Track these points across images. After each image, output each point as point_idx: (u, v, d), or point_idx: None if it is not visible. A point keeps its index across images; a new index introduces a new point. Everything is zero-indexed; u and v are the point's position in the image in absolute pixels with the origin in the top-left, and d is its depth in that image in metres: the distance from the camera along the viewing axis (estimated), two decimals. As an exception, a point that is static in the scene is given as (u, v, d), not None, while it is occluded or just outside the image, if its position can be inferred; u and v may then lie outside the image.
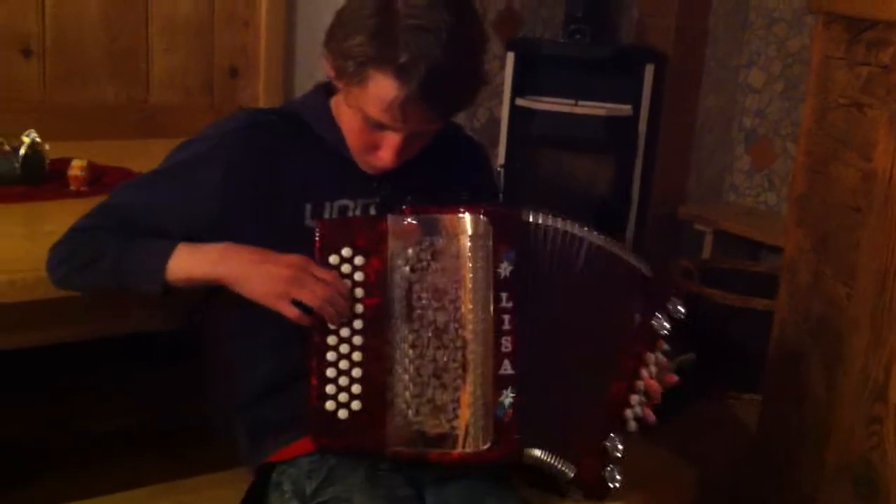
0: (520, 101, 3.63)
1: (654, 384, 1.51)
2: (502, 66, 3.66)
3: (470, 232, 1.43)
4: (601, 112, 3.60)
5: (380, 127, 1.42)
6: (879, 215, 1.65)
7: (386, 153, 1.45)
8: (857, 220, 1.80)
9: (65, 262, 1.52)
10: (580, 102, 3.60)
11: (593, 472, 1.50)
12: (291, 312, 1.40)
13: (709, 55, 3.91)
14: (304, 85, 1.48)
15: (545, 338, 1.47)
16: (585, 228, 1.51)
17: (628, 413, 1.51)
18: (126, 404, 2.56)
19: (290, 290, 1.39)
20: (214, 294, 1.50)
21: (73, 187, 2.07)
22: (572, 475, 1.50)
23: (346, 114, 1.47)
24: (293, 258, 1.41)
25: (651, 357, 1.52)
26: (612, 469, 1.50)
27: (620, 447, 1.50)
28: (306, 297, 1.39)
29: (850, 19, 1.96)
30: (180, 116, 2.93)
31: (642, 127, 3.65)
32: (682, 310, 1.52)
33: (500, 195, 1.79)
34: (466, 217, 1.43)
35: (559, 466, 1.49)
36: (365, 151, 1.48)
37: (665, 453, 1.93)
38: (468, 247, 1.43)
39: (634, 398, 1.51)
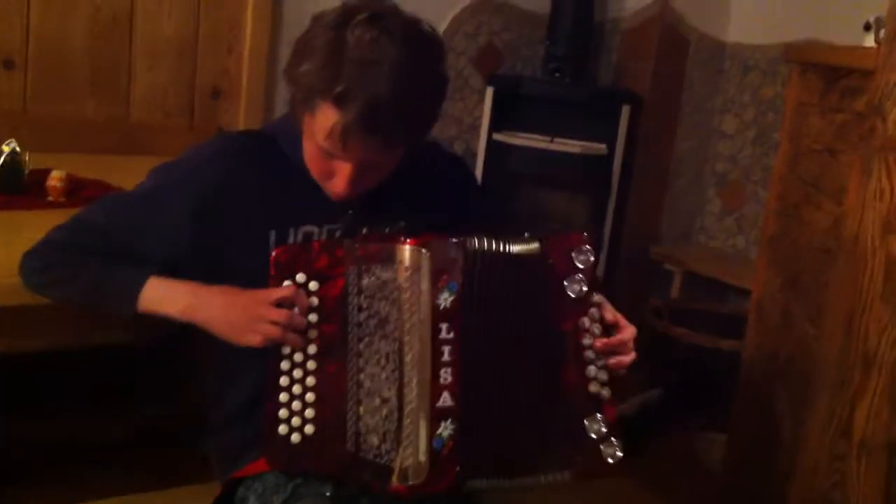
0: (497, 136, 3.66)
1: (603, 341, 1.49)
2: (481, 101, 3.70)
3: (408, 263, 1.43)
4: (577, 150, 3.64)
5: (330, 156, 1.44)
6: (849, 257, 1.69)
7: (339, 182, 1.46)
8: (827, 262, 1.84)
9: (38, 272, 1.54)
10: (556, 139, 3.64)
11: (588, 462, 1.48)
12: (257, 342, 1.42)
13: (684, 100, 3.97)
14: (285, 109, 1.50)
15: (489, 364, 1.46)
16: (523, 239, 1.50)
17: (593, 387, 1.49)
18: (101, 414, 2.54)
19: (250, 330, 1.42)
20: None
21: (51, 198, 2.07)
22: (571, 477, 1.49)
23: (305, 142, 1.49)
24: (250, 295, 1.44)
25: (586, 321, 1.50)
26: (606, 446, 1.49)
27: (604, 424, 1.49)
28: (268, 332, 1.41)
29: (826, 68, 2.01)
30: (160, 135, 2.94)
31: (617, 167, 3.70)
32: (590, 255, 1.50)
33: (486, 203, 1.77)
34: (406, 248, 1.43)
35: (553, 478, 1.48)
36: (323, 179, 1.49)
37: (635, 486, 1.94)
38: (406, 277, 1.42)
39: (591, 370, 1.49)
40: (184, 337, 1.72)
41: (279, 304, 1.42)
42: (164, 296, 1.48)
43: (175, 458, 2.11)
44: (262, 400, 1.46)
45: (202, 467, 1.64)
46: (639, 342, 1.53)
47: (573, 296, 1.50)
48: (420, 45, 1.42)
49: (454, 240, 1.45)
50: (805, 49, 2.13)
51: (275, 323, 1.41)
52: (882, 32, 1.71)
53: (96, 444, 2.43)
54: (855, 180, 1.70)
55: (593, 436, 1.49)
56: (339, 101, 1.35)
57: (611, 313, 1.53)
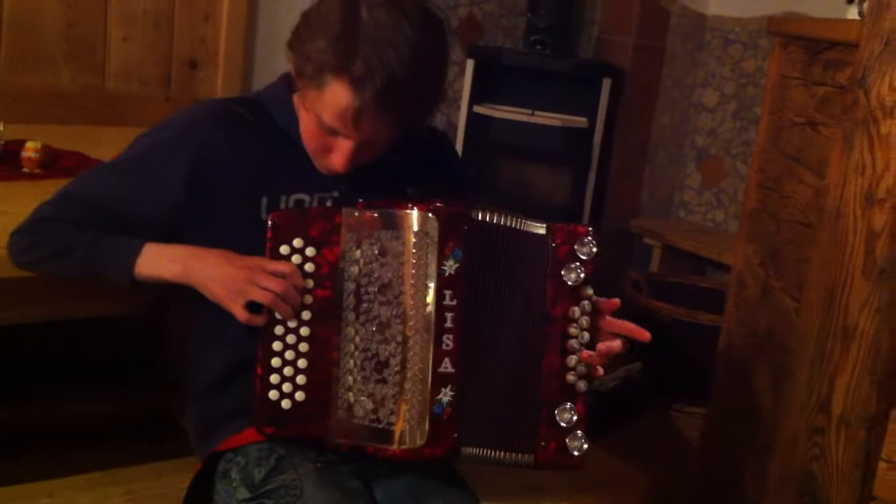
0: (477, 108, 3.65)
1: (588, 353, 1.50)
2: (462, 73, 3.68)
3: (416, 228, 1.43)
4: (557, 123, 3.63)
5: (333, 132, 1.43)
6: (830, 231, 1.69)
7: (338, 158, 1.45)
8: (808, 236, 1.83)
9: (29, 250, 1.53)
10: (537, 112, 3.63)
11: (553, 450, 1.50)
12: (241, 315, 1.41)
13: (665, 73, 3.96)
14: (263, 80, 1.48)
15: (488, 334, 1.48)
16: (531, 222, 1.51)
17: (570, 377, 1.50)
18: (83, 392, 2.52)
19: (243, 291, 1.41)
20: (180, 286, 1.50)
21: (26, 168, 2.05)
22: (533, 462, 1.50)
23: (304, 114, 1.48)
24: (248, 259, 1.43)
25: (576, 310, 1.50)
26: (571, 439, 1.50)
27: (575, 414, 1.50)
28: (258, 296, 1.40)
29: (808, 40, 2.00)
30: (137, 106, 2.91)
31: (597, 140, 3.69)
32: (593, 247, 1.51)
33: (467, 179, 1.77)
34: (414, 213, 1.43)
35: (518, 458, 1.50)
36: (319, 154, 1.49)
37: (615, 460, 1.95)
38: (413, 243, 1.43)
39: (572, 359, 1.50)
40: (162, 307, 1.71)
41: (274, 274, 1.41)
42: (160, 260, 1.46)
43: (159, 433, 2.09)
44: (241, 368, 1.46)
45: (183, 441, 1.63)
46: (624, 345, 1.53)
47: (569, 283, 1.51)
48: (431, 25, 1.42)
49: (462, 208, 1.45)
50: (788, 22, 2.12)
51: (266, 289, 1.39)
52: (865, 5, 1.70)
53: (79, 419, 2.42)
54: (836, 153, 1.69)
55: (563, 424, 1.50)
56: (355, 81, 1.34)
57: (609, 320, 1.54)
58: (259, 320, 1.42)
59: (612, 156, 3.84)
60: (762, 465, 1.95)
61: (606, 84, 3.67)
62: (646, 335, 1.52)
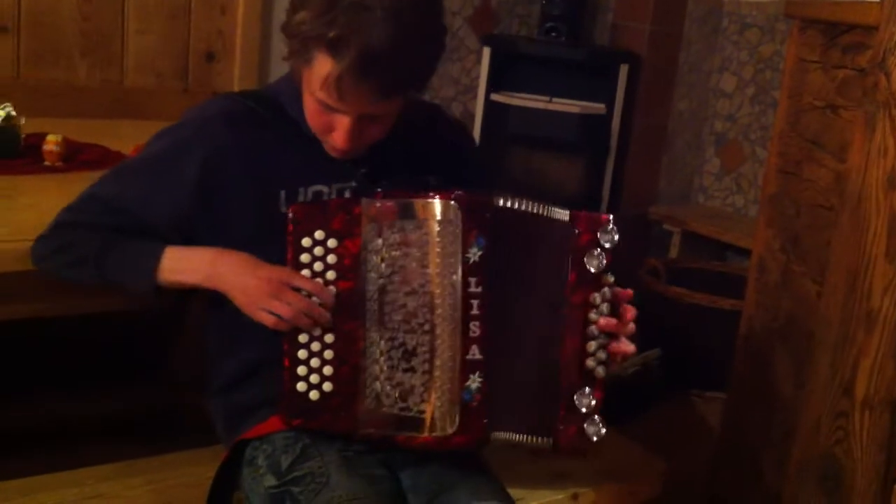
0: (494, 97, 3.64)
1: (610, 321, 1.50)
2: (478, 62, 3.67)
3: (439, 217, 1.43)
4: (575, 110, 3.62)
5: (329, 108, 1.42)
6: (852, 214, 1.68)
7: (338, 136, 1.45)
8: (829, 219, 1.83)
9: (50, 258, 1.53)
10: (554, 100, 3.62)
11: (571, 435, 1.51)
12: (268, 321, 1.42)
13: (682, 59, 3.95)
14: (280, 71, 1.48)
15: (512, 320, 1.48)
16: (554, 209, 1.51)
17: (590, 363, 1.50)
18: (96, 387, 2.54)
19: (266, 304, 1.41)
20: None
21: (48, 162, 2.05)
22: (552, 446, 1.51)
23: (305, 97, 1.47)
24: (274, 271, 1.43)
25: (597, 297, 1.50)
26: (589, 424, 1.51)
27: (593, 400, 1.50)
28: (282, 311, 1.41)
29: (827, 24, 1.99)
30: (154, 99, 2.92)
31: (615, 126, 3.68)
32: (615, 235, 1.51)
33: (486, 168, 1.78)
34: (436, 202, 1.43)
35: (536, 442, 1.50)
36: (323, 135, 1.48)
37: (636, 446, 1.95)
38: (437, 231, 1.43)
39: (592, 345, 1.50)
40: (179, 301, 1.71)
41: (298, 289, 1.41)
42: (183, 265, 1.47)
43: (174, 426, 2.11)
44: (268, 361, 1.46)
45: (202, 433, 1.64)
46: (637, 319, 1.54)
47: (592, 270, 1.50)
48: None
49: (484, 196, 1.45)
50: (806, 5, 2.10)
51: (289, 304, 1.40)
52: (886, -13, 1.69)
53: (93, 414, 2.43)
54: (858, 137, 1.69)
55: (583, 410, 1.51)
56: (333, 49, 1.34)
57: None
58: (285, 326, 1.42)
59: (629, 142, 3.83)
60: (783, 450, 1.95)
61: (623, 70, 3.66)
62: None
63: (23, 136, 2.09)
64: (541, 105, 3.61)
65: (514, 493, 1.54)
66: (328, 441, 1.47)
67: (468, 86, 3.69)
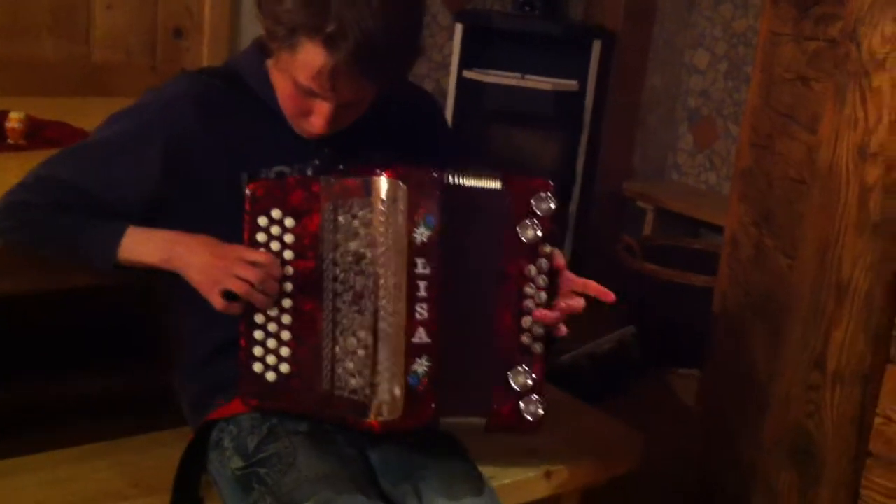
0: (467, 74, 3.62)
1: (546, 313, 1.46)
2: (450, 38, 3.65)
3: (384, 196, 1.38)
4: (548, 87, 3.61)
5: (310, 94, 1.41)
6: (823, 186, 1.67)
7: (317, 120, 1.43)
8: (801, 193, 1.82)
9: (3, 232, 1.51)
10: (527, 76, 3.60)
11: (505, 414, 1.46)
12: (219, 303, 1.40)
13: (656, 35, 3.93)
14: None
15: (459, 300, 1.43)
16: (504, 178, 1.47)
17: (525, 339, 1.46)
18: (78, 366, 2.52)
19: (220, 281, 1.39)
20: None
21: (10, 140, 2.02)
22: (485, 423, 1.46)
23: (279, 78, 1.45)
24: (228, 248, 1.41)
25: (532, 269, 1.46)
26: (526, 403, 1.46)
27: (530, 378, 1.46)
28: (234, 287, 1.38)
29: (799, -5, 1.98)
30: (122, 76, 2.89)
31: (588, 103, 3.67)
32: (551, 203, 1.45)
33: (455, 138, 1.75)
34: (381, 180, 1.38)
35: (470, 420, 1.46)
36: (297, 117, 1.46)
37: (613, 421, 1.95)
38: (381, 210, 1.39)
39: (526, 321, 1.46)
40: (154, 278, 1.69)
41: (253, 264, 1.39)
42: (143, 246, 1.45)
43: (153, 407, 2.08)
44: (235, 342, 1.44)
45: (176, 414, 1.62)
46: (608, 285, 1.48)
47: (524, 240, 1.45)
48: None
49: (432, 172, 1.42)
50: (778, -22, 2.09)
51: (243, 280, 1.38)
52: (856, -43, 1.68)
53: (74, 393, 2.41)
54: (829, 108, 1.68)
55: (517, 388, 1.46)
56: (328, 41, 1.32)
57: (572, 278, 1.50)
58: (236, 308, 1.40)
59: (603, 119, 3.82)
60: (758, 425, 1.95)
61: (597, 46, 3.65)
62: (610, 296, 1.49)
63: (-15, 113, 2.06)
64: (514, 82, 3.59)
65: (485, 470, 1.52)
66: (295, 421, 1.45)
67: (440, 63, 3.66)
